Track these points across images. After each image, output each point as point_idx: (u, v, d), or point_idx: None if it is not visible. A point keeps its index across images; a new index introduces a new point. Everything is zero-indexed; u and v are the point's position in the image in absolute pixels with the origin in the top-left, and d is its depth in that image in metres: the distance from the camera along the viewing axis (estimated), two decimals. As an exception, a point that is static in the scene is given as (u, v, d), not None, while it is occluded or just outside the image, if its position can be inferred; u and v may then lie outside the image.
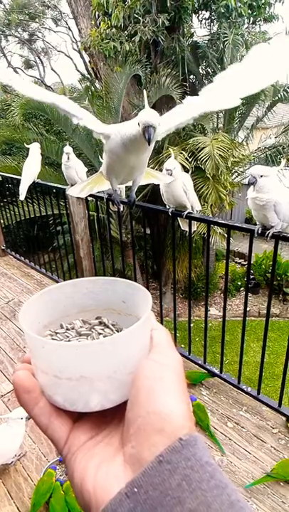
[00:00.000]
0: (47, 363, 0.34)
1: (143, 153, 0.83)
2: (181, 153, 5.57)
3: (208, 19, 6.79)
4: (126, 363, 0.34)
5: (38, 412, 0.35)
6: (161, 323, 0.51)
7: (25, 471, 1.82)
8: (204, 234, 5.42)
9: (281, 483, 1.70)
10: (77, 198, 3.04)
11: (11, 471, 1.82)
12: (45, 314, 0.42)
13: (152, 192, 5.78)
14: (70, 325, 0.43)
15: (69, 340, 0.40)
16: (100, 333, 0.41)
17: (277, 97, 6.81)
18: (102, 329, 0.42)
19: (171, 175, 1.90)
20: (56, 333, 0.41)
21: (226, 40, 6.17)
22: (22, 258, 4.25)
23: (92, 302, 0.45)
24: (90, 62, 7.69)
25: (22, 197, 3.19)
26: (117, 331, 0.42)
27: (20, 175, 3.32)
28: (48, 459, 1.86)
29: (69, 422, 0.35)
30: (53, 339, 0.40)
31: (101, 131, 0.88)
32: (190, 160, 5.77)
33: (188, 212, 2.11)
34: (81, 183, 1.09)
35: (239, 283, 7.94)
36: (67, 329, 0.42)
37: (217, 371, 2.34)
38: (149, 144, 0.71)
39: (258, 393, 2.15)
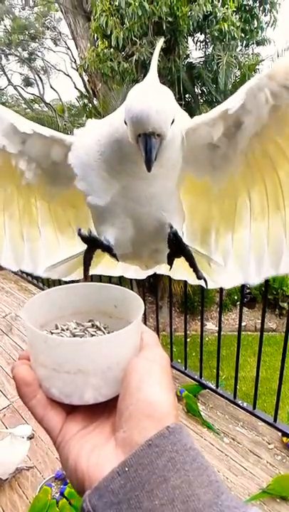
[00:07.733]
0: (47, 357, 0.37)
1: (145, 183, 0.42)
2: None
3: (202, 42, 7.03)
4: (119, 360, 0.37)
5: (35, 403, 0.38)
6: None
7: (21, 489, 1.80)
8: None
9: (277, 500, 1.69)
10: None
11: (6, 488, 1.80)
12: (42, 314, 0.45)
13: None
14: (65, 326, 0.45)
15: None
16: (92, 335, 0.44)
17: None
18: (95, 331, 0.45)
19: None
20: (52, 333, 0.44)
21: (220, 62, 6.38)
22: (19, 272, 4.26)
23: (86, 305, 0.48)
24: (88, 81, 7.89)
25: None
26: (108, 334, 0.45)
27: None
28: (44, 476, 1.84)
29: (63, 413, 0.38)
30: None
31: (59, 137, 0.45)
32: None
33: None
34: (68, 258, 0.64)
35: (235, 297, 7.92)
36: (62, 330, 0.45)
37: (213, 386, 2.35)
38: (149, 170, 0.37)
39: (254, 408, 2.15)
